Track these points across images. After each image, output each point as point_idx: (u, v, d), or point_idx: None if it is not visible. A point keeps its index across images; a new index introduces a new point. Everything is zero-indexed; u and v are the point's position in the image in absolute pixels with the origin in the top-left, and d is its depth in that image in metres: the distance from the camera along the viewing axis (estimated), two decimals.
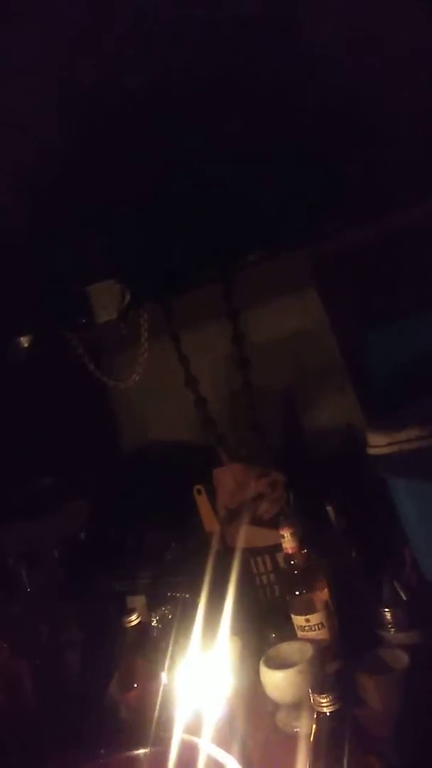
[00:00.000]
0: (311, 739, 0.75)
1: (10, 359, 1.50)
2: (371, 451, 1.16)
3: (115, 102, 1.17)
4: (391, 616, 1.13)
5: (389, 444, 1.13)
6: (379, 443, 1.15)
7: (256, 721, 1.07)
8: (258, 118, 1.08)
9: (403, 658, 1.05)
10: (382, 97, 1.11)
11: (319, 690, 0.71)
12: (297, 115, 1.07)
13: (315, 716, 0.73)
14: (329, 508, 1.31)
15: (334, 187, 1.22)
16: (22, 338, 1.49)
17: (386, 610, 1.13)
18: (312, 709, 0.76)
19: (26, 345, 1.50)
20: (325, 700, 0.70)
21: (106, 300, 1.48)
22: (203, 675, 1.03)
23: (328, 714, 0.70)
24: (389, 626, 1.13)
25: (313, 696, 0.72)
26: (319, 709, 0.71)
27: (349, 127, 1.09)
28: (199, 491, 1.45)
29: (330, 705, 0.70)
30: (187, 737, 0.90)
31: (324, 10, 0.85)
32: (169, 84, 1.13)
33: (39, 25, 0.98)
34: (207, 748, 0.88)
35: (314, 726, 0.73)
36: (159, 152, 1.24)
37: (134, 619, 1.11)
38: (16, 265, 1.36)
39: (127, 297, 1.49)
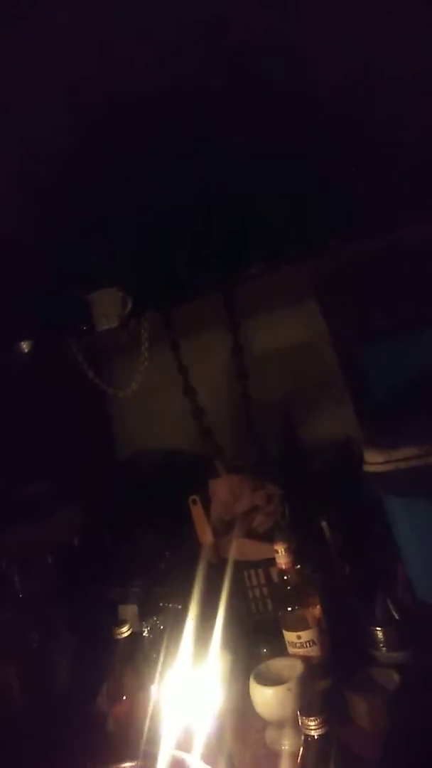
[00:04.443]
0: (298, 760, 0.74)
1: (10, 364, 1.50)
2: (368, 468, 1.16)
3: (123, 109, 1.18)
4: (383, 635, 1.12)
5: (386, 462, 1.13)
6: (375, 461, 1.15)
7: (245, 738, 1.06)
8: (263, 132, 1.09)
9: (394, 678, 1.05)
10: (388, 113, 1.11)
11: (308, 712, 0.71)
12: (302, 130, 1.07)
13: (303, 738, 0.72)
14: (324, 524, 1.30)
15: (337, 201, 1.22)
16: (22, 343, 1.49)
17: (378, 628, 1.13)
18: (300, 728, 0.76)
19: (27, 350, 1.50)
20: (313, 723, 0.70)
21: (108, 308, 1.48)
22: (193, 689, 1.02)
23: (315, 737, 0.69)
24: (381, 645, 1.12)
25: (301, 718, 0.71)
26: (307, 731, 0.70)
27: (353, 142, 1.09)
28: (194, 501, 1.44)
29: (318, 728, 0.69)
30: (175, 753, 0.89)
31: (328, 32, 0.86)
32: (177, 94, 1.14)
33: (49, 30, 0.98)
34: (195, 764, 0.88)
35: (302, 748, 0.72)
36: (164, 161, 1.25)
37: (125, 631, 1.11)
38: (18, 270, 1.36)
39: (129, 305, 1.49)
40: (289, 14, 0.94)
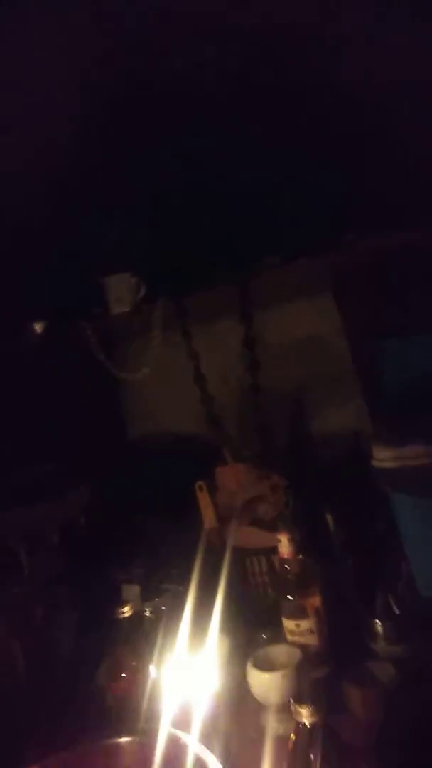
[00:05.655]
0: (289, 745, 0.76)
1: (23, 344, 1.51)
2: (376, 463, 1.16)
3: (142, 94, 1.17)
4: (382, 628, 1.13)
5: (394, 458, 1.13)
6: (384, 456, 1.15)
7: (241, 720, 1.08)
8: (283, 123, 1.07)
9: (391, 671, 1.06)
10: (411, 108, 1.09)
11: (300, 700, 0.72)
12: (322, 121, 1.06)
13: (294, 724, 0.73)
14: (329, 516, 1.31)
15: (357, 194, 1.20)
16: (35, 324, 1.51)
17: (378, 622, 1.14)
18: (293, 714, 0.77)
19: (39, 331, 1.51)
20: (304, 711, 0.71)
21: (122, 292, 1.48)
22: (191, 670, 1.04)
23: (307, 725, 0.71)
24: (379, 639, 1.13)
25: (293, 705, 0.73)
26: (299, 718, 0.72)
27: (374, 137, 1.08)
28: (200, 487, 1.46)
29: (309, 716, 0.71)
30: (171, 731, 0.92)
31: (348, 31, 0.84)
32: (197, 80, 1.13)
33: (65, 11, 0.97)
34: (189, 743, 0.89)
35: (293, 734, 0.73)
36: (183, 148, 1.24)
37: (127, 611, 1.13)
38: (34, 251, 1.37)
39: (142, 290, 1.50)
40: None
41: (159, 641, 1.13)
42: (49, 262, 1.39)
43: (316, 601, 1.13)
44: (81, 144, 1.18)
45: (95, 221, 1.35)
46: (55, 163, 1.20)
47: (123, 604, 1.15)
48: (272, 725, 1.04)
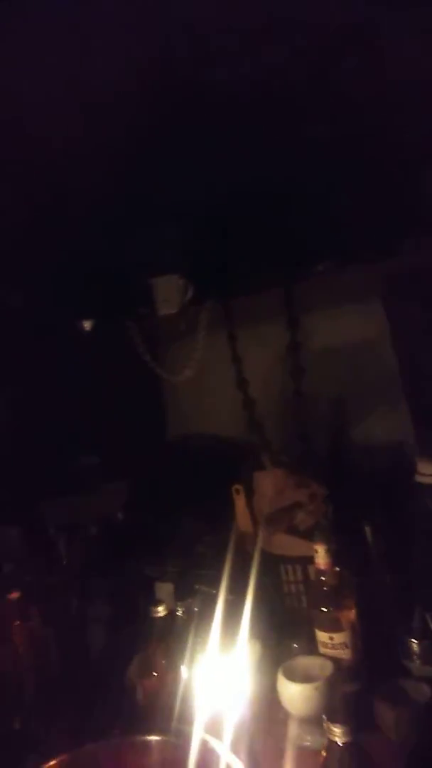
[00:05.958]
0: (321, 762, 0.75)
1: (72, 341, 1.54)
2: (419, 478, 1.14)
3: (202, 94, 1.17)
4: (419, 647, 1.11)
5: None
6: (428, 472, 1.12)
7: (269, 728, 1.07)
8: (340, 128, 1.05)
9: (426, 692, 1.03)
10: None
11: (334, 718, 0.71)
12: (378, 128, 1.03)
13: (327, 742, 0.72)
14: (368, 529, 1.29)
15: (411, 202, 1.17)
16: (85, 322, 1.54)
17: (414, 640, 1.11)
18: (324, 730, 0.76)
19: (88, 329, 1.54)
20: (338, 730, 0.70)
21: (169, 293, 1.50)
22: (222, 674, 1.04)
23: (339, 744, 0.70)
24: (415, 657, 1.11)
25: (327, 723, 0.72)
26: (332, 737, 0.70)
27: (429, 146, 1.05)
28: (237, 491, 1.46)
29: (343, 736, 0.69)
30: (200, 733, 0.92)
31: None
32: (258, 83, 1.12)
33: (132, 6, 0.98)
34: (217, 747, 0.90)
35: (324, 751, 0.72)
36: (234, 152, 1.23)
37: (161, 610, 1.14)
38: (86, 251, 1.39)
39: (190, 292, 1.50)
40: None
41: (190, 642, 1.14)
42: (98, 261, 1.41)
43: (351, 614, 1.11)
44: (137, 144, 1.19)
45: (148, 223, 1.36)
46: (110, 162, 1.22)
47: (157, 603, 1.16)
48: (301, 737, 1.03)
